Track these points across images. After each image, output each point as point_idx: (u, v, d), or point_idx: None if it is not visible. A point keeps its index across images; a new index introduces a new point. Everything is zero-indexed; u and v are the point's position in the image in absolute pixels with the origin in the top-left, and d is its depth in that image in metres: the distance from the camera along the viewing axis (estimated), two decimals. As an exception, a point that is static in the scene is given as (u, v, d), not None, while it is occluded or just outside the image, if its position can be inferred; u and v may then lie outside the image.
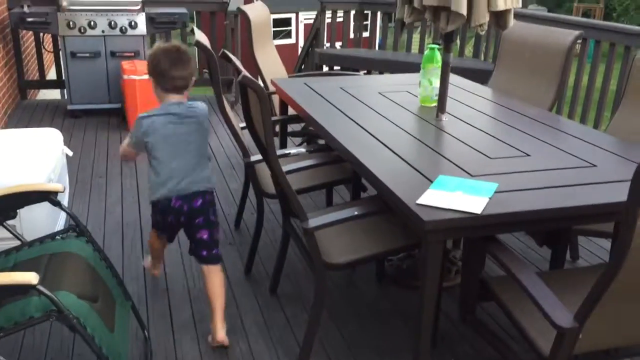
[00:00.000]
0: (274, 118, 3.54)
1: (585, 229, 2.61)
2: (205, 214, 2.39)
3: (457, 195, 1.95)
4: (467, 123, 2.78)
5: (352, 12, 6.58)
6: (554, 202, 1.95)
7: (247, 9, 3.97)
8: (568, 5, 32.19)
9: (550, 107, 3.26)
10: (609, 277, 1.55)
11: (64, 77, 5.34)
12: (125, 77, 5.00)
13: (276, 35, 18.78)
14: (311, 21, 7.41)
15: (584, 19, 5.03)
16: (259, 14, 4.10)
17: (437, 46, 2.98)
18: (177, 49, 2.35)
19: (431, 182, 2.06)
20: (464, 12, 2.40)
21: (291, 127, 3.87)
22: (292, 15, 20.21)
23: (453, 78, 3.69)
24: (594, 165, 2.24)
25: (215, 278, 2.42)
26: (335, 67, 6.62)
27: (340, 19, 6.62)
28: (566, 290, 1.90)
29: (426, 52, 3.00)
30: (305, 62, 7.28)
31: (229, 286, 2.85)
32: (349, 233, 2.40)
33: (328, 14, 6.58)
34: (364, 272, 3.00)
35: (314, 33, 6.86)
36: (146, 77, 5.01)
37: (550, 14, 5.29)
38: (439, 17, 2.54)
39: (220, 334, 2.41)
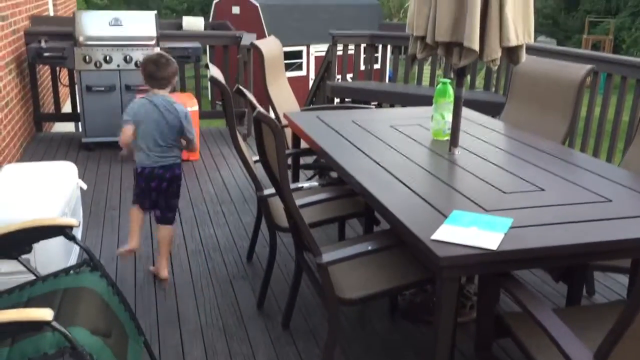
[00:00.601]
0: (286, 151, 3.57)
1: (601, 264, 2.58)
2: (177, 182, 3.21)
3: (472, 231, 1.94)
4: (480, 157, 2.78)
5: (363, 46, 6.66)
6: (569, 238, 1.93)
7: (260, 44, 4.03)
8: (577, 38, 32.39)
9: (563, 140, 3.26)
10: (629, 316, 1.53)
11: (79, 111, 5.42)
12: (139, 110, 5.05)
13: (287, 67, 18.87)
14: (322, 54, 7.45)
15: (596, 53, 5.06)
16: (271, 48, 4.16)
17: (449, 80, 3.00)
18: (161, 55, 3.16)
19: (445, 216, 2.06)
20: (477, 47, 2.42)
21: (303, 160, 3.89)
22: (304, 48, 20.47)
23: (465, 111, 3.69)
24: (610, 200, 2.23)
25: (164, 231, 3.23)
26: (347, 100, 6.68)
27: (351, 51, 6.69)
28: (584, 328, 1.87)
29: (438, 86, 3.02)
30: (317, 94, 7.35)
31: (241, 320, 2.83)
32: (362, 267, 2.39)
33: (339, 47, 6.66)
34: (376, 306, 2.97)
35: (325, 66, 6.93)
36: (160, 109, 5.10)
37: (562, 48, 5.32)
38: (451, 53, 2.56)
39: (163, 272, 3.18)
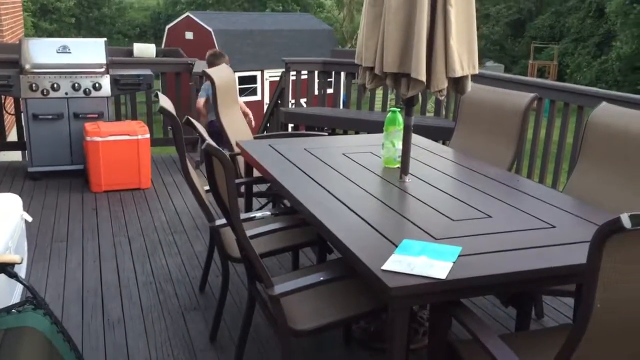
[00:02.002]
0: (239, 180, 3.55)
1: (548, 289, 2.64)
2: None
3: (422, 260, 1.96)
4: (430, 184, 2.82)
5: (316, 72, 6.72)
6: (515, 265, 1.97)
7: (212, 72, 4.02)
8: (523, 63, 33.52)
9: (510, 165, 3.35)
10: (574, 341, 1.57)
11: (25, 139, 5.28)
12: (88, 138, 4.97)
13: (242, 92, 19.00)
14: (276, 78, 7.51)
15: (540, 80, 5.25)
16: (223, 76, 4.15)
17: (398, 109, 3.05)
18: (216, 50, 5.35)
19: (396, 246, 2.07)
20: (424, 78, 2.47)
21: (258, 187, 3.87)
22: (258, 73, 20.54)
23: (415, 138, 3.76)
24: (553, 227, 2.29)
25: None
26: (300, 126, 6.72)
27: (305, 76, 6.75)
28: (532, 354, 1.90)
29: (388, 115, 3.06)
30: (271, 120, 7.36)
31: (193, 354, 2.78)
32: (315, 297, 2.38)
33: (292, 73, 6.71)
34: (331, 335, 2.96)
35: (278, 92, 6.97)
36: (110, 138, 5.02)
37: (508, 75, 5.50)
38: (399, 83, 2.61)
39: None
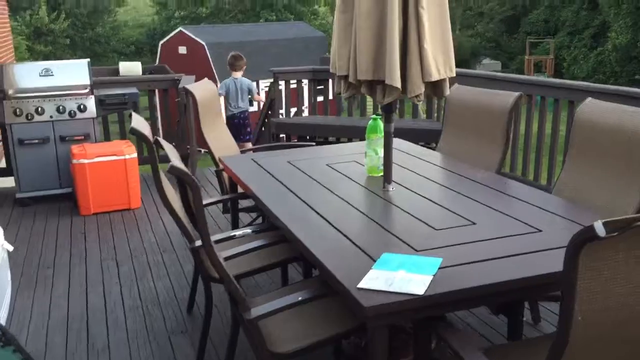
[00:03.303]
0: (223, 197, 3.48)
1: (538, 295, 2.55)
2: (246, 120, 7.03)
3: (400, 275, 1.88)
4: (414, 192, 2.74)
5: (305, 81, 6.66)
6: (500, 275, 1.89)
7: (192, 88, 3.95)
8: (520, 58, 33.42)
9: (499, 166, 3.26)
10: (558, 353, 1.49)
11: (12, 165, 5.22)
12: (74, 161, 4.90)
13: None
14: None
15: (528, 77, 5.22)
16: (204, 90, 4.08)
17: (379, 116, 2.97)
18: (237, 53, 7.09)
19: (374, 261, 1.99)
20: (399, 85, 2.39)
21: (249, 201, 3.79)
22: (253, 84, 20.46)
23: (401, 143, 3.70)
24: (540, 231, 2.20)
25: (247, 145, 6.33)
26: (292, 135, 6.64)
27: (294, 86, 6.69)
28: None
29: (369, 122, 2.99)
30: (262, 132, 7.29)
31: (179, 380, 2.70)
32: (297, 318, 2.30)
33: (281, 83, 6.65)
34: (320, 351, 2.86)
35: (268, 103, 6.90)
36: (97, 159, 4.97)
37: (495, 73, 5.43)
38: (375, 91, 2.53)
39: None
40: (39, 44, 28.18)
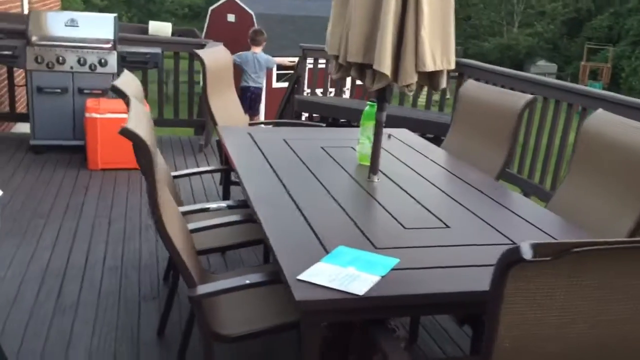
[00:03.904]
0: (213, 168, 3.40)
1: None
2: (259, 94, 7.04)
3: (348, 272, 1.76)
4: (399, 186, 2.61)
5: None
6: (455, 284, 1.76)
7: (203, 53, 3.85)
8: (577, 63, 32.39)
9: (501, 169, 3.09)
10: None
11: (28, 111, 5.26)
12: (87, 115, 4.91)
13: (281, 78, 18.81)
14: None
15: (541, 77, 4.92)
16: (216, 58, 3.99)
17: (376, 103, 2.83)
18: (258, 28, 7.21)
19: (328, 253, 1.88)
20: (387, 71, 2.25)
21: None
22: (296, 60, 20.35)
23: (405, 134, 3.56)
24: (514, 244, 2.05)
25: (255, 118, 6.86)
26: (314, 115, 6.53)
27: (322, 66, 6.55)
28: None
29: (366, 108, 2.86)
30: (287, 108, 7.19)
31: (136, 347, 2.65)
32: (253, 302, 2.21)
33: (310, 60, 6.52)
34: (286, 340, 2.79)
35: (294, 80, 6.79)
36: (109, 115, 4.95)
37: (507, 70, 5.17)
38: (364, 75, 2.40)
39: None
40: (95, -2, 28.60)
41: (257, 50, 6.97)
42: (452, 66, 2.40)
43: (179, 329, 2.82)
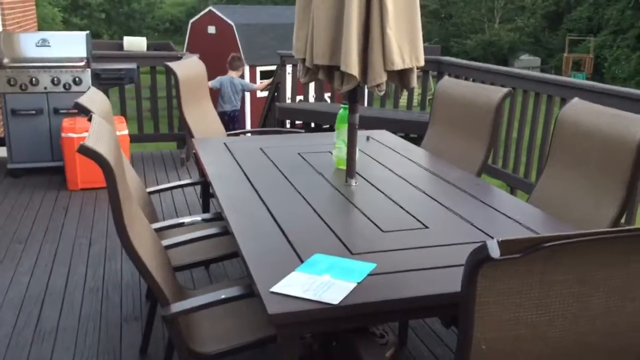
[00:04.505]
0: (190, 181, 3.34)
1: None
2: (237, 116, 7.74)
3: (322, 280, 1.71)
4: (377, 189, 2.55)
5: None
6: (431, 287, 1.70)
7: (175, 65, 3.80)
8: (559, 56, 32.57)
9: (482, 164, 3.05)
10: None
11: (4, 135, 5.17)
12: (63, 135, 4.83)
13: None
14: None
15: (520, 71, 4.91)
16: (189, 68, 3.93)
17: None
18: (235, 55, 7.78)
19: (302, 262, 1.83)
20: (354, 72, 2.20)
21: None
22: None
23: (384, 135, 3.51)
24: (494, 241, 2.00)
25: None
26: (297, 122, 6.48)
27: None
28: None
29: (340, 111, 2.80)
30: (269, 116, 7.14)
31: (118, 370, 2.58)
32: (231, 317, 2.15)
33: (288, 68, 6.48)
34: (271, 352, 2.72)
35: (274, 87, 6.73)
36: (85, 134, 4.86)
37: (487, 65, 5.17)
38: (332, 77, 2.35)
39: None
40: (74, 17, 28.47)
41: (235, 74, 7.67)
42: (422, 63, 2.35)
43: (162, 346, 2.75)
